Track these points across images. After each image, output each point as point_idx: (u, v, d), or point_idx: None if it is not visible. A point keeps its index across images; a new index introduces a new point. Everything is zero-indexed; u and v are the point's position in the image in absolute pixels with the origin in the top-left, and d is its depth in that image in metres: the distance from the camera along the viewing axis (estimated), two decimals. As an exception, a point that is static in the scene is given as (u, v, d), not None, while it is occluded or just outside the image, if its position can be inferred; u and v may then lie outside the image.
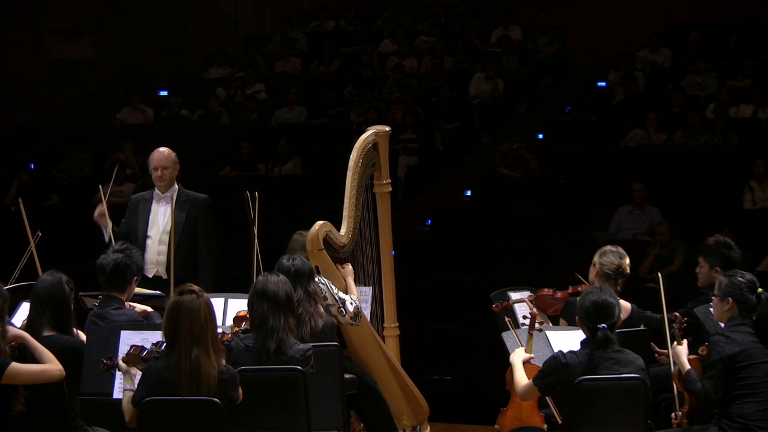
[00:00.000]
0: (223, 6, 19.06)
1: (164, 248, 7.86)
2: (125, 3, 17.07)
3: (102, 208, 7.89)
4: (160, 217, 7.99)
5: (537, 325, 6.32)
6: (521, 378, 5.88)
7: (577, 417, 5.57)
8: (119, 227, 8.05)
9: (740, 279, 6.05)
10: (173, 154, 8.11)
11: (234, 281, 8.01)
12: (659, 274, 6.67)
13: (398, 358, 7.66)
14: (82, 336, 6.14)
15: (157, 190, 8.09)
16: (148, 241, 7.95)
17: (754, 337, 5.90)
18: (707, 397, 5.85)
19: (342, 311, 6.82)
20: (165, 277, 7.76)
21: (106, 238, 7.89)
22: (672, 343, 6.21)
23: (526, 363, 6.01)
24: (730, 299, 6.02)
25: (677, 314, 6.34)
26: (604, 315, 5.59)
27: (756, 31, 15.69)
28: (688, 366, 5.99)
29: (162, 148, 8.13)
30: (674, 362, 6.11)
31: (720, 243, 6.92)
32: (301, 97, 15.82)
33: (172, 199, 7.93)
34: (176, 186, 8.11)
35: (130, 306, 6.53)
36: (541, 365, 5.81)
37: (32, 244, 7.45)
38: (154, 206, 8.06)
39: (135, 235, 7.91)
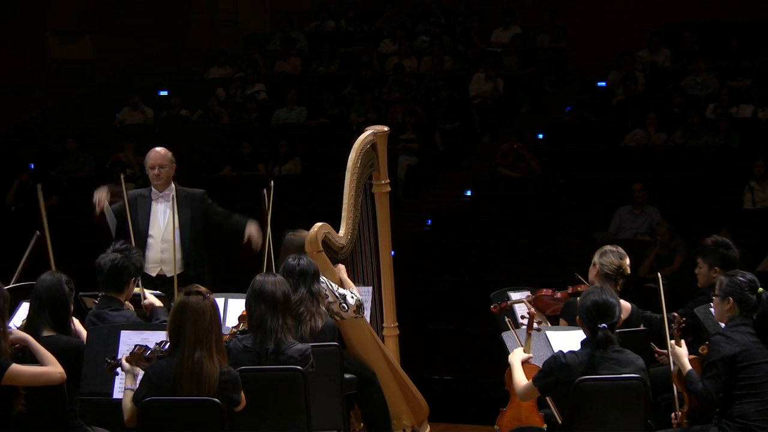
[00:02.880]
0: (223, 6, 19.06)
1: (168, 246, 7.86)
2: (125, 3, 17.07)
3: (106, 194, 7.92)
4: (161, 216, 8.01)
5: (535, 325, 6.32)
6: (520, 378, 5.87)
7: (577, 417, 5.56)
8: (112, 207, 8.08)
9: (741, 278, 6.04)
10: (170, 153, 8.14)
11: (235, 281, 7.99)
12: (659, 274, 6.66)
13: (398, 358, 7.66)
14: (81, 329, 6.13)
15: (154, 189, 8.11)
16: (150, 240, 7.97)
17: (755, 337, 5.89)
18: (708, 397, 5.84)
19: (344, 307, 6.83)
20: (169, 275, 7.77)
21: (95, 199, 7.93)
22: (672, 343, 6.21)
23: (524, 363, 6.00)
24: (731, 299, 6.01)
25: (676, 314, 6.34)
26: (605, 315, 5.59)
27: (756, 31, 15.68)
28: (688, 366, 5.98)
29: (159, 148, 8.18)
30: (674, 362, 6.10)
31: (718, 243, 6.91)
32: (301, 97, 15.81)
33: (172, 198, 7.94)
34: (173, 185, 8.13)
35: (129, 306, 6.50)
36: (540, 365, 5.80)
37: (48, 245, 7.40)
38: (154, 205, 8.08)
39: (138, 234, 7.89)
